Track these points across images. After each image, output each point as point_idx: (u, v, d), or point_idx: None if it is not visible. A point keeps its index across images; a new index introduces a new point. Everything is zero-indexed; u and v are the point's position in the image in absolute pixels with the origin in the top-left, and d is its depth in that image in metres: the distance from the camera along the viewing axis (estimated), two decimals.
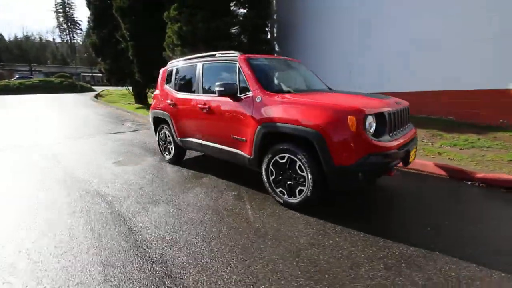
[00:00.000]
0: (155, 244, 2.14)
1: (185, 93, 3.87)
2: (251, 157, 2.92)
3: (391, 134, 2.47)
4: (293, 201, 2.63)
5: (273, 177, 2.77)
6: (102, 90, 25.27)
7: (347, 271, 1.77)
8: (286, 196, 2.69)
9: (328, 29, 8.21)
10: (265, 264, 1.86)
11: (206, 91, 3.53)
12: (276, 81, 3.27)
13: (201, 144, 3.67)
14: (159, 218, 2.57)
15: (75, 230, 2.37)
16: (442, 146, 4.50)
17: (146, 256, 1.99)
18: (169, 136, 4.29)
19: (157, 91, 4.54)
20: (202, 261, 1.91)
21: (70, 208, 2.80)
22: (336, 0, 7.89)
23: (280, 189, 2.73)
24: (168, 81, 4.31)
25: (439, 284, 1.64)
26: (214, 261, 1.91)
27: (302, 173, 2.50)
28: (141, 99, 14.23)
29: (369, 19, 6.92)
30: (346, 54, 7.66)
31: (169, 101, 4.09)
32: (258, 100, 2.81)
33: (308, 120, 2.37)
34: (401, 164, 2.62)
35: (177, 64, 4.21)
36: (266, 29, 10.06)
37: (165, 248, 2.09)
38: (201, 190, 3.25)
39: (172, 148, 4.29)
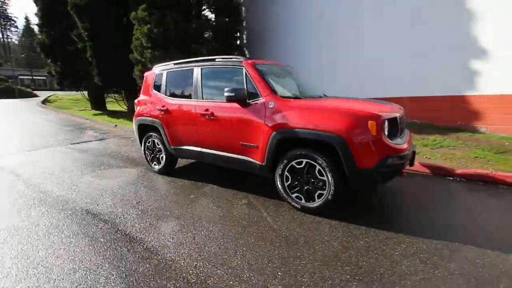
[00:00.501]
0: (184, 263, 1.96)
1: (180, 99, 3.66)
2: (263, 163, 2.88)
3: (400, 137, 2.66)
4: (311, 205, 2.65)
5: (289, 182, 2.76)
6: (50, 95, 22.53)
7: (390, 269, 1.84)
8: (303, 201, 2.70)
9: (296, 35, 8.57)
10: (311, 272, 1.83)
11: (207, 97, 3.39)
12: (283, 87, 3.28)
13: (200, 152, 3.50)
14: (174, 234, 2.36)
15: (86, 261, 2.02)
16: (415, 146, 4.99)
17: (180, 278, 1.80)
18: (158, 145, 3.99)
19: (142, 97, 4.21)
20: (245, 276, 1.80)
21: (63, 234, 2.41)
22: (302, 8, 8.31)
23: (297, 194, 2.73)
24: (156, 86, 4.03)
25: (471, 271, 1.80)
26: (257, 274, 1.82)
27: (322, 177, 2.54)
28: (99, 104, 13.03)
29: (336, 26, 7.41)
30: (316, 60, 8.07)
31: (159, 107, 3.82)
32: (271, 106, 2.78)
33: (329, 125, 2.43)
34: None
35: (166, 68, 3.97)
36: (237, 34, 10.09)
37: (198, 266, 1.92)
38: (207, 201, 3.07)
39: (162, 158, 4.00)
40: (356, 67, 7.18)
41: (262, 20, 9.77)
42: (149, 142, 4.14)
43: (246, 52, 10.72)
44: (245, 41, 10.90)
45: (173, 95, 3.80)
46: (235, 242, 2.22)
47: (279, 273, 1.83)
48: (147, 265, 1.94)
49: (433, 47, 5.87)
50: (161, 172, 4.06)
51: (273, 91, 2.87)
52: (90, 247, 2.18)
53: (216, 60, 3.42)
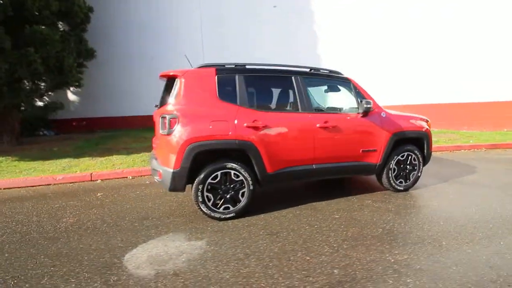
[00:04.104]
0: None
1: (283, 112, 2.99)
2: (379, 163, 3.45)
3: None
4: (409, 183, 3.71)
5: (395, 173, 3.60)
6: None
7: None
8: (403, 183, 3.68)
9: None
10: None
11: (318, 108, 3.15)
12: None
13: (311, 169, 3.14)
14: None
15: None
16: None
17: None
18: (237, 177, 2.81)
19: (191, 108, 2.66)
20: None
21: None
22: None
23: (400, 179, 3.65)
24: (225, 93, 2.79)
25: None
26: None
27: (415, 162, 3.70)
28: None
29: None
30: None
31: (249, 123, 2.77)
32: (383, 115, 3.44)
33: (419, 127, 3.66)
34: None
35: (235, 70, 2.90)
36: (86, 39, 7.36)
37: None
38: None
39: (243, 194, 2.87)
40: None
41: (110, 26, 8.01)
42: (215, 178, 2.74)
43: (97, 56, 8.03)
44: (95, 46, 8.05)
45: (263, 106, 2.93)
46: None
47: None
48: None
49: None
50: (238, 215, 2.88)
51: (377, 103, 3.52)
52: None
53: (311, 70, 3.25)
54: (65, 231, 2.68)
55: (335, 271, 2.01)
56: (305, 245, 2.36)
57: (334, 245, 2.36)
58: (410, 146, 3.63)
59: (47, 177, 4.23)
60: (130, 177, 4.54)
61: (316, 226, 2.72)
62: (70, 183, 4.28)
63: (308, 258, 2.18)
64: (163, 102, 3.08)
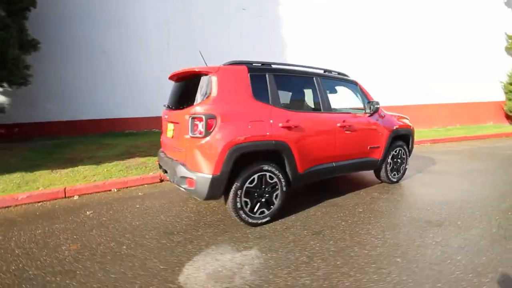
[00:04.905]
0: None
1: (310, 112, 3.04)
2: (380, 159, 3.79)
3: None
4: (399, 175, 4.16)
5: (391, 167, 3.99)
6: None
7: None
8: (396, 175, 4.10)
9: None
10: None
11: (334, 108, 3.27)
12: None
13: (331, 167, 3.25)
14: None
15: None
16: None
17: None
18: (272, 179, 2.73)
19: (226, 107, 2.47)
20: None
21: None
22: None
23: (394, 172, 4.06)
24: (257, 92, 2.67)
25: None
26: None
27: (403, 156, 4.16)
28: None
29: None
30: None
31: (283, 124, 2.72)
32: (383, 115, 3.78)
33: (408, 125, 4.15)
34: None
35: (264, 69, 2.81)
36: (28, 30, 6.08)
37: None
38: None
39: (276, 197, 2.79)
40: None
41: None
42: (252, 182, 2.60)
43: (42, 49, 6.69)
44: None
45: (292, 106, 2.91)
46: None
47: None
48: None
49: None
50: (272, 218, 2.79)
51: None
52: None
53: (326, 72, 3.37)
54: (75, 261, 2.16)
55: (397, 259, 2.13)
56: (355, 240, 2.43)
57: (379, 236, 2.50)
58: (401, 142, 4.08)
59: (4, 198, 3.32)
60: (115, 190, 3.91)
61: (350, 221, 2.82)
62: (39, 202, 3.45)
63: (366, 251, 2.25)
64: (181, 102, 2.78)
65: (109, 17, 8.08)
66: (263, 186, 2.68)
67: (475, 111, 9.95)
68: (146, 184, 4.17)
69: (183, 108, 2.65)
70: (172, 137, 2.86)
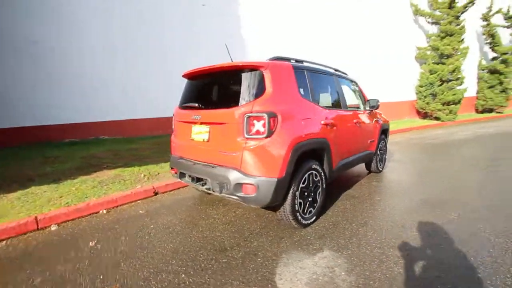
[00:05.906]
0: None
1: (336, 109, 3.12)
2: (374, 151, 4.21)
3: None
4: (383, 165, 4.70)
5: (378, 158, 4.47)
6: None
7: None
8: (382, 164, 4.62)
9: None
10: None
11: (347, 106, 3.45)
12: None
13: (349, 161, 3.44)
14: None
15: None
16: None
17: None
18: (316, 177, 2.71)
19: (286, 106, 2.33)
20: None
21: None
22: None
23: (380, 162, 4.55)
24: (302, 90, 2.60)
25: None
26: None
27: (385, 148, 4.71)
28: None
29: None
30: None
31: (324, 121, 2.74)
32: (374, 112, 4.21)
33: (387, 120, 4.71)
34: None
35: (301, 66, 2.77)
36: None
37: None
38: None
39: (318, 194, 2.79)
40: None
41: None
42: (304, 182, 2.52)
43: None
44: None
45: (323, 103, 2.92)
46: None
47: None
48: None
49: None
50: (317, 218, 2.78)
51: None
52: None
53: (337, 71, 3.55)
54: None
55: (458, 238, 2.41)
56: (399, 230, 2.59)
57: (409, 222, 2.72)
58: (383, 135, 4.63)
59: None
60: (104, 211, 3.15)
61: (379, 210, 3.03)
62: (5, 240, 2.48)
63: (421, 243, 2.43)
64: (220, 100, 2.48)
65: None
66: (310, 185, 2.63)
67: (397, 109, 12.07)
68: (139, 199, 3.51)
69: (227, 107, 2.34)
70: (208, 140, 2.49)
